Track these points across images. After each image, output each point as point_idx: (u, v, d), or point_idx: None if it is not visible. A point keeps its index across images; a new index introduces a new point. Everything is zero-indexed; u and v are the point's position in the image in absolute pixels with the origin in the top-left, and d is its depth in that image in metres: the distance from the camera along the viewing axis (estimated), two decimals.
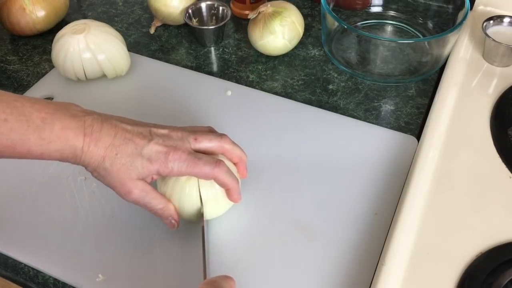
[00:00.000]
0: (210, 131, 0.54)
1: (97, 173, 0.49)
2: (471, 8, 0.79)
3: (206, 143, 0.52)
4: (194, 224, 0.55)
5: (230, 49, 0.81)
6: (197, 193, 0.52)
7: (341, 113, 0.69)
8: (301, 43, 0.79)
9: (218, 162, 0.50)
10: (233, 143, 0.54)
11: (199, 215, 0.53)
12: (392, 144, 0.64)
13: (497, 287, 0.48)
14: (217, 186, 0.52)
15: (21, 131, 0.45)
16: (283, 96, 0.72)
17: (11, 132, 0.45)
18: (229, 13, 0.79)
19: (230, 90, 0.72)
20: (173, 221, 0.53)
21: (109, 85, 0.74)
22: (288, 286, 0.51)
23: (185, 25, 0.84)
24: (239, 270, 0.52)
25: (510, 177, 0.58)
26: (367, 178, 0.60)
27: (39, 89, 0.73)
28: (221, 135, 0.53)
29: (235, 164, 0.55)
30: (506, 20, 0.73)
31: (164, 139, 0.50)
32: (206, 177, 0.51)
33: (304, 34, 0.78)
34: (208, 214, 0.54)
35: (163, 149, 0.49)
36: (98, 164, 0.48)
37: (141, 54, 0.79)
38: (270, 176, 0.61)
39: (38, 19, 0.80)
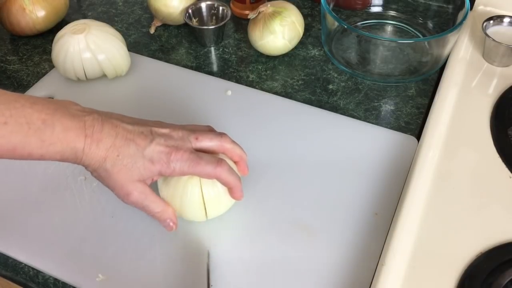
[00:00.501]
0: (210, 130, 0.54)
1: (97, 173, 0.49)
2: (471, 8, 0.79)
3: (207, 142, 0.52)
4: (196, 223, 0.55)
5: (230, 49, 0.81)
6: (199, 192, 0.52)
7: (341, 113, 0.69)
8: (301, 43, 0.80)
9: (220, 161, 0.50)
10: (233, 142, 0.54)
11: (202, 214, 0.54)
12: (392, 144, 0.64)
13: (497, 287, 0.48)
14: (219, 185, 0.53)
15: (22, 134, 0.45)
16: (283, 96, 0.72)
17: (11, 135, 0.44)
18: (229, 13, 0.79)
19: (230, 90, 0.72)
20: (171, 223, 0.52)
21: (109, 85, 0.74)
22: (288, 286, 0.51)
23: (185, 25, 0.84)
24: (239, 270, 0.53)
25: (510, 177, 0.58)
26: (367, 178, 0.60)
27: (39, 89, 0.73)
28: (221, 134, 0.54)
29: (235, 162, 0.55)
30: (506, 20, 0.73)
31: (165, 139, 0.50)
32: (208, 177, 0.51)
33: (304, 34, 0.78)
34: (210, 213, 0.54)
35: (164, 149, 0.49)
36: (99, 165, 0.48)
37: (141, 54, 0.79)
38: (270, 176, 0.61)
39: (38, 19, 0.80)
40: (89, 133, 0.47)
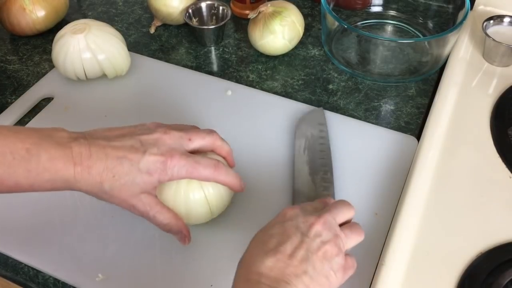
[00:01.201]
0: (197, 129, 0.54)
1: (100, 197, 0.49)
2: (471, 8, 0.79)
3: (200, 141, 0.52)
4: (201, 225, 0.55)
5: (230, 49, 0.81)
6: (202, 195, 0.52)
7: (341, 113, 0.69)
8: (301, 43, 0.79)
9: (217, 165, 0.50)
10: (222, 138, 0.54)
11: (207, 215, 0.53)
12: (392, 144, 0.64)
13: (497, 287, 0.48)
14: None
15: (6, 164, 0.44)
16: (283, 96, 0.72)
17: None
18: (229, 13, 0.79)
19: (230, 90, 0.72)
20: (183, 238, 0.52)
21: (110, 84, 0.74)
22: None
23: (185, 25, 0.84)
24: None
25: (510, 177, 0.58)
26: (367, 178, 0.60)
27: (39, 89, 0.73)
28: (211, 132, 0.53)
29: (224, 157, 0.55)
30: (506, 20, 0.73)
31: (158, 146, 0.49)
32: (207, 180, 0.51)
33: (304, 34, 0.78)
34: (215, 211, 0.54)
35: (159, 158, 0.48)
36: (98, 189, 0.47)
37: (141, 54, 0.79)
38: (270, 176, 0.61)
39: (38, 19, 0.80)
40: (78, 161, 0.46)
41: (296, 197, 0.57)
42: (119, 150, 0.48)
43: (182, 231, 0.52)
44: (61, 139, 0.47)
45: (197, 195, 0.52)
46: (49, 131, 0.48)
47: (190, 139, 0.51)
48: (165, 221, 0.50)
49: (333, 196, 0.57)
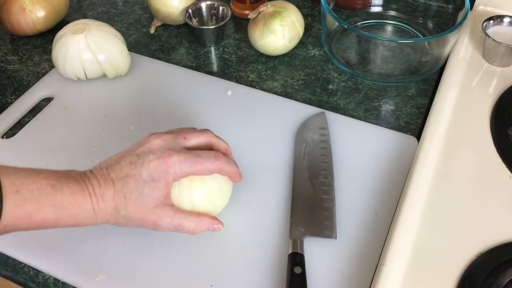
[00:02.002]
0: (193, 129, 0.54)
1: (120, 222, 0.49)
2: (471, 8, 0.79)
3: (196, 139, 0.52)
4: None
5: (230, 49, 0.81)
6: (206, 191, 0.52)
7: (341, 113, 0.69)
8: (301, 43, 0.80)
9: (217, 155, 0.51)
10: (217, 136, 0.54)
11: (213, 210, 0.54)
12: (392, 144, 0.64)
13: (497, 287, 0.48)
14: (217, 176, 0.53)
15: (34, 199, 0.45)
16: (283, 96, 0.72)
17: (25, 202, 0.45)
18: (229, 13, 0.79)
19: (230, 90, 0.72)
20: (215, 226, 0.52)
21: (110, 85, 0.74)
22: None
23: (185, 25, 0.84)
24: (240, 269, 0.53)
25: (510, 177, 0.58)
26: (367, 178, 0.60)
27: (39, 89, 0.73)
28: (206, 130, 0.54)
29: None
30: (506, 20, 0.73)
31: (153, 152, 0.49)
32: (210, 172, 0.51)
33: (304, 34, 0.78)
34: (220, 206, 0.54)
35: (158, 161, 0.49)
36: (116, 215, 0.48)
37: (141, 54, 0.79)
38: (270, 176, 0.61)
39: (38, 19, 0.80)
40: (92, 192, 0.47)
41: (296, 203, 0.57)
42: (121, 171, 0.49)
43: (212, 226, 0.52)
44: (75, 176, 0.49)
45: (201, 192, 0.52)
46: (63, 171, 0.49)
47: (185, 138, 0.51)
48: (191, 225, 0.51)
49: (333, 199, 0.57)
